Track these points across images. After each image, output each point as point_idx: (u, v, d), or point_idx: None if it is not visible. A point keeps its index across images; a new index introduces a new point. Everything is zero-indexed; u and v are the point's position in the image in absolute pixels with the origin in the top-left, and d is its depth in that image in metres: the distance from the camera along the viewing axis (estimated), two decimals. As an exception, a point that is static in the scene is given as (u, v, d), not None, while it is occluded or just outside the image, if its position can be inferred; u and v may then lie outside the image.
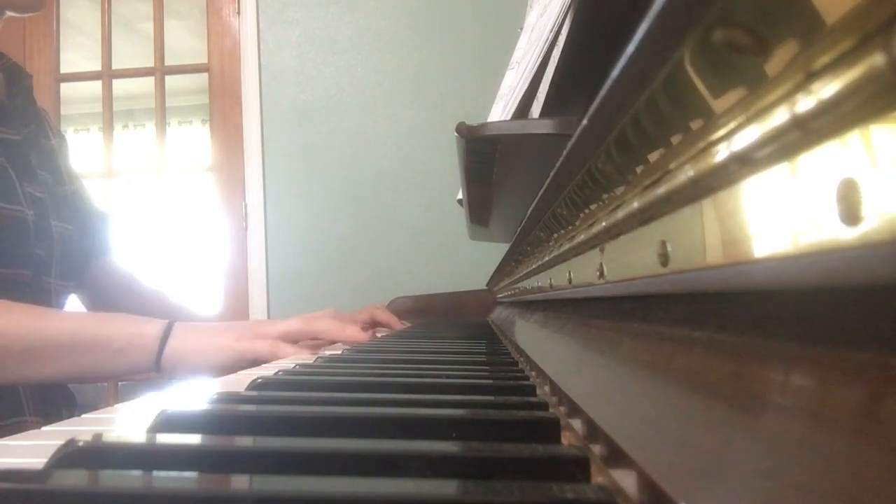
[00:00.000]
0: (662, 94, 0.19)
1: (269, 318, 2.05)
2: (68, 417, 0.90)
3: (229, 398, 0.35)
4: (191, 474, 0.20)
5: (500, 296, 1.19)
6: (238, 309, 2.15)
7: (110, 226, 1.05)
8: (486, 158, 0.59)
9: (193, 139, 3.83)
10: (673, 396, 0.20)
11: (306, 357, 0.72)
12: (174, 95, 2.62)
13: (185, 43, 2.97)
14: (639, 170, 0.24)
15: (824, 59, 0.12)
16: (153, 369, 0.76)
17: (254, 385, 0.41)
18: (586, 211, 0.34)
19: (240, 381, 0.49)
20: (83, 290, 1.00)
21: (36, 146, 0.90)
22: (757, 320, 0.17)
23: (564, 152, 0.33)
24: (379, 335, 1.00)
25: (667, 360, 0.22)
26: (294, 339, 0.80)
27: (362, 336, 0.82)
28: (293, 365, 0.56)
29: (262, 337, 0.78)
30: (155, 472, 0.20)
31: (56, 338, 0.72)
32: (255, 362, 0.77)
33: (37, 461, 0.23)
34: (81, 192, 1.00)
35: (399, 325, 1.15)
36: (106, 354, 0.74)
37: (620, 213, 0.26)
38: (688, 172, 0.18)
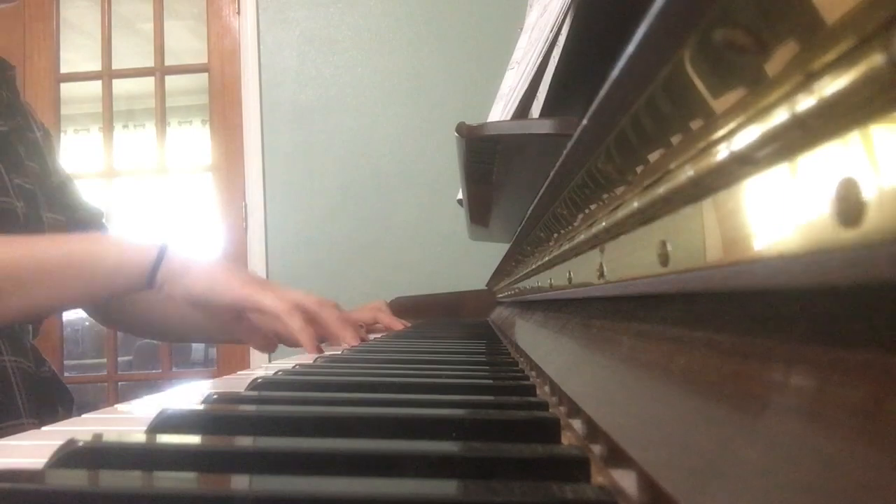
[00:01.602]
0: (662, 94, 0.19)
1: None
2: (65, 415, 0.88)
3: (229, 398, 0.35)
4: (190, 474, 0.20)
5: (500, 296, 1.19)
6: (238, 309, 2.15)
7: (101, 220, 1.03)
8: (486, 158, 0.59)
9: (193, 139, 3.84)
10: (673, 396, 0.20)
11: (306, 359, 0.72)
12: (174, 95, 2.62)
13: (185, 43, 2.97)
14: (639, 170, 0.24)
15: (824, 59, 0.12)
16: (147, 285, 0.74)
17: (253, 385, 0.41)
18: (586, 211, 0.34)
19: (240, 381, 0.49)
20: None
21: (23, 138, 0.89)
22: (757, 320, 0.17)
23: (564, 152, 0.33)
24: (372, 337, 0.99)
25: (667, 360, 0.22)
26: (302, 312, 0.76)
27: (355, 341, 0.80)
28: (293, 365, 0.56)
29: (272, 292, 0.74)
30: (154, 472, 0.20)
31: (47, 262, 0.70)
32: (244, 314, 0.73)
33: (37, 461, 0.23)
34: (69, 186, 0.99)
35: (400, 326, 1.14)
36: (98, 274, 0.72)
37: (620, 213, 0.26)
38: (688, 172, 0.18)
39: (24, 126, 0.91)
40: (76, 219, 0.95)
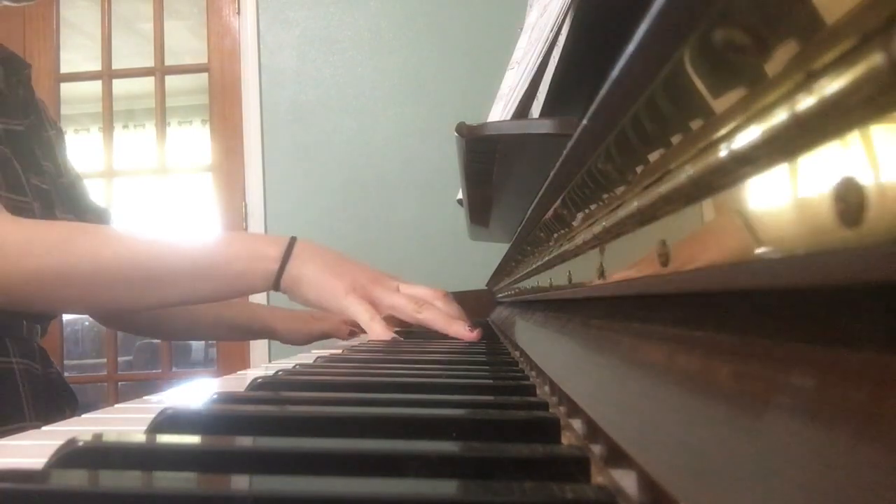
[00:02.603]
0: (662, 94, 0.19)
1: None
2: (71, 417, 0.88)
3: (229, 398, 0.35)
4: (191, 474, 0.20)
5: (500, 296, 1.19)
6: (238, 309, 2.15)
7: (109, 221, 1.03)
8: (486, 158, 0.59)
9: (193, 139, 3.84)
10: (673, 396, 0.20)
11: (306, 359, 0.72)
12: (174, 95, 2.62)
13: (185, 43, 2.97)
14: (639, 170, 0.24)
15: (824, 59, 0.12)
16: (272, 289, 0.76)
17: (254, 385, 0.41)
18: (586, 211, 0.34)
19: (240, 381, 0.49)
20: None
21: (38, 137, 0.89)
22: (757, 320, 0.17)
23: (564, 152, 0.33)
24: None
25: (667, 360, 0.22)
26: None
27: (471, 335, 0.76)
28: (293, 365, 0.56)
29: (369, 298, 0.75)
30: (155, 472, 0.20)
31: (177, 264, 0.71)
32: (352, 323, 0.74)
33: (37, 461, 0.23)
34: (78, 185, 0.99)
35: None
36: (226, 278, 0.73)
37: (620, 213, 0.26)
38: (688, 172, 0.18)
39: (39, 125, 0.90)
40: (86, 220, 0.95)
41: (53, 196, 0.86)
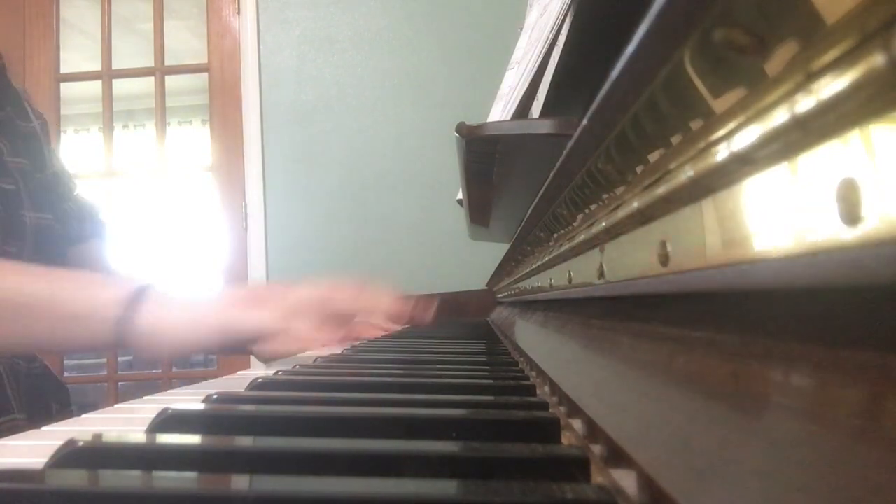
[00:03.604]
0: (662, 94, 0.19)
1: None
2: (60, 412, 0.84)
3: (229, 398, 0.35)
4: (191, 474, 0.20)
5: (500, 296, 1.19)
6: (238, 309, 2.15)
7: (94, 214, 0.97)
8: (486, 158, 0.59)
9: (193, 139, 3.83)
10: (673, 396, 0.20)
11: (306, 359, 0.72)
12: (174, 95, 2.62)
13: (185, 43, 2.97)
14: (639, 170, 0.24)
15: (824, 59, 0.12)
16: (116, 343, 0.60)
17: (254, 385, 0.41)
18: (586, 211, 0.34)
19: (240, 381, 0.49)
20: None
21: (11, 132, 0.82)
22: (757, 320, 0.17)
23: (564, 152, 0.33)
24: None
25: (667, 360, 0.22)
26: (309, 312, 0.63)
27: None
28: (293, 365, 0.56)
29: (264, 305, 0.62)
30: (155, 472, 0.20)
31: (9, 297, 0.59)
32: (250, 339, 0.60)
33: (37, 461, 0.23)
34: (62, 177, 0.92)
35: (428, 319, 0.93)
36: (64, 320, 0.59)
37: (620, 213, 0.26)
38: (688, 172, 0.18)
39: (17, 116, 0.85)
40: (63, 213, 0.89)
41: (22, 196, 0.79)
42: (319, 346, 0.64)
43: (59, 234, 0.85)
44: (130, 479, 0.20)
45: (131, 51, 2.64)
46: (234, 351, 0.72)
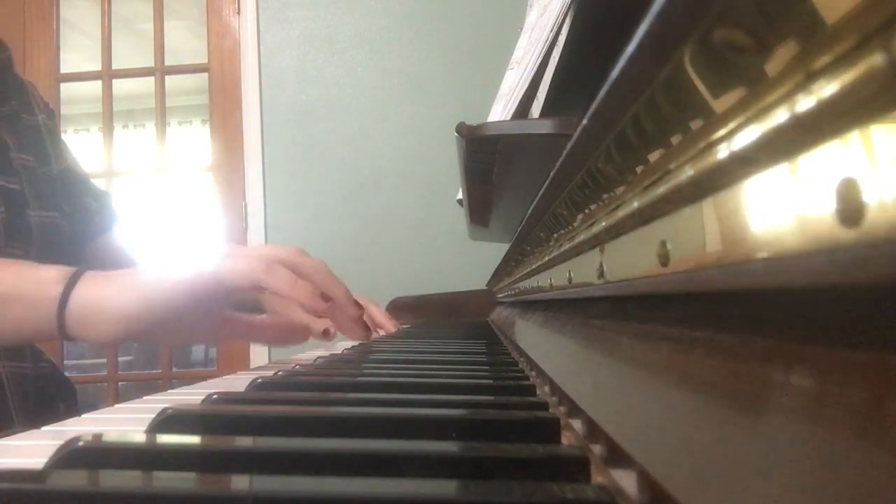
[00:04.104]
0: (662, 94, 0.19)
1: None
2: (67, 411, 0.83)
3: (229, 398, 0.35)
4: (190, 474, 0.20)
5: (500, 296, 1.19)
6: (238, 309, 2.15)
7: (108, 204, 0.95)
8: (486, 158, 0.59)
9: (193, 139, 3.84)
10: (673, 396, 0.20)
11: (306, 359, 0.72)
12: (174, 95, 2.62)
13: (185, 43, 2.97)
14: (639, 170, 0.24)
15: (824, 59, 0.12)
16: (56, 332, 0.57)
17: (253, 385, 0.41)
18: (586, 211, 0.34)
19: (240, 381, 0.49)
20: None
21: (16, 126, 0.80)
22: (757, 320, 0.17)
23: (564, 152, 0.33)
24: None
25: (667, 360, 0.22)
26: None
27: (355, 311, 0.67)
28: (293, 365, 0.56)
29: (238, 255, 0.59)
30: (155, 472, 0.20)
31: None
32: (229, 291, 0.58)
33: (37, 461, 0.23)
34: (74, 169, 0.90)
35: (393, 328, 1.06)
36: (8, 302, 0.57)
37: (620, 213, 0.26)
38: (688, 172, 0.18)
39: (22, 110, 0.83)
40: (76, 209, 0.87)
41: (27, 194, 0.78)
42: (322, 309, 0.62)
43: (66, 232, 0.84)
44: (130, 479, 0.20)
45: (131, 51, 2.64)
46: (234, 311, 0.71)
